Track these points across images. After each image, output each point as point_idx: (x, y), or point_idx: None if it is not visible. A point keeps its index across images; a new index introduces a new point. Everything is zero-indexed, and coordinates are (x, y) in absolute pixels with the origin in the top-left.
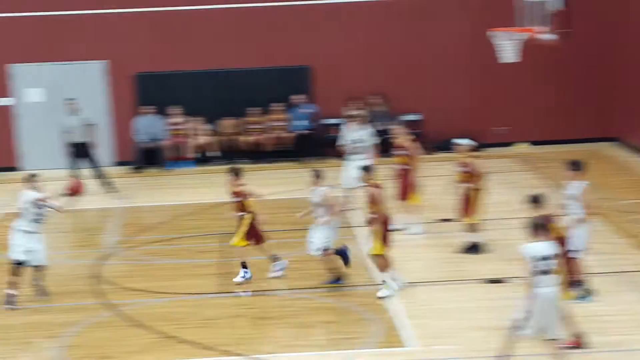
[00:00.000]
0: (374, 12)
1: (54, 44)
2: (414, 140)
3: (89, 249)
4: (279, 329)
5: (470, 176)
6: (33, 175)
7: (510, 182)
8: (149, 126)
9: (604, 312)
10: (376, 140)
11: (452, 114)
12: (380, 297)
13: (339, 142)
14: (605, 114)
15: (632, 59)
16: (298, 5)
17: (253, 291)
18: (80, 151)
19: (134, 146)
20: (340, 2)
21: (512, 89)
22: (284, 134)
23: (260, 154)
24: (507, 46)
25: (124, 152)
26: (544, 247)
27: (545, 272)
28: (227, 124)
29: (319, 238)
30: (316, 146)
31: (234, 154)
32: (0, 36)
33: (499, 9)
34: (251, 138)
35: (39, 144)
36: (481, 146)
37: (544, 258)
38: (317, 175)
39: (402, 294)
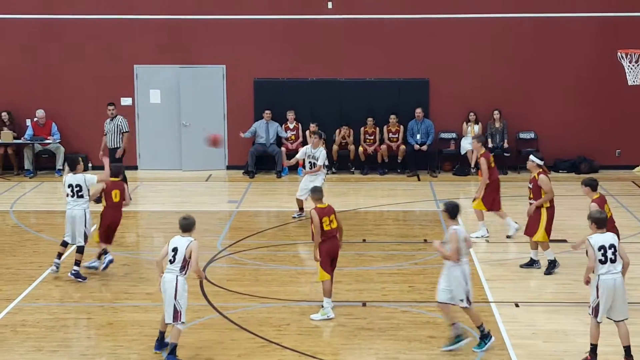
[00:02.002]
0: (496, 29)
1: (176, 46)
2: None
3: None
4: (381, 342)
5: (539, 193)
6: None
7: (620, 205)
8: (264, 131)
9: None
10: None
11: (569, 134)
12: (313, 319)
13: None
14: None
15: None
16: (421, 18)
17: (361, 302)
18: (112, 156)
19: (249, 150)
20: (463, 17)
21: (634, 112)
22: (399, 146)
23: (372, 165)
24: (634, 68)
25: (239, 156)
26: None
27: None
28: (343, 133)
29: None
30: (431, 160)
31: (348, 163)
32: (129, 37)
33: (627, 31)
34: (365, 148)
35: (153, 145)
36: (601, 168)
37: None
38: None
39: (508, 313)
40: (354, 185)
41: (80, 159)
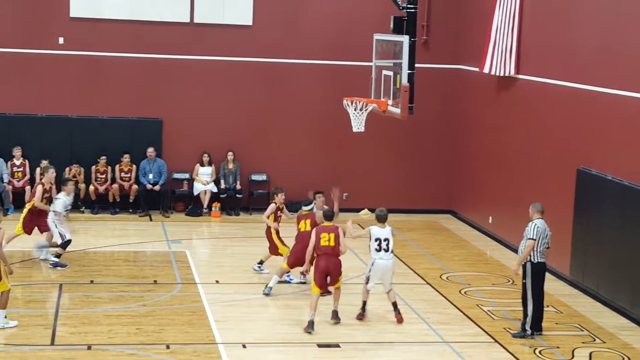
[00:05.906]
0: (230, 71)
1: None
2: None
3: None
4: None
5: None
6: None
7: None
8: None
9: None
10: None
11: (301, 177)
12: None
13: None
14: (444, 187)
15: (469, 138)
16: (153, 58)
17: (86, 345)
18: None
19: None
20: (195, 59)
21: (360, 157)
22: (131, 186)
23: (104, 204)
24: (358, 115)
25: None
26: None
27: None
28: (73, 171)
29: None
30: (163, 200)
31: (77, 202)
32: None
33: (355, 80)
34: (96, 187)
35: None
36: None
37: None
38: None
39: (235, 355)
40: (84, 225)
41: None
